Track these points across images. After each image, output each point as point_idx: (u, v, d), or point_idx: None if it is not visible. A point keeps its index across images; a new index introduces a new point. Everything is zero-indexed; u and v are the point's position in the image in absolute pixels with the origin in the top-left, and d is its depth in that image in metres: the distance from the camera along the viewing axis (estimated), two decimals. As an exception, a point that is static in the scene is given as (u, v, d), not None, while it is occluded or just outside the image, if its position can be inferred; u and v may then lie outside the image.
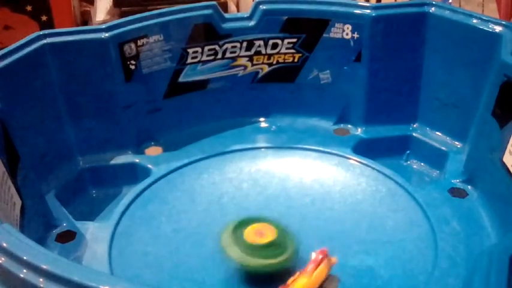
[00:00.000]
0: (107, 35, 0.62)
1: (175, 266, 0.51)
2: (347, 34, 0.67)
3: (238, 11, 1.20)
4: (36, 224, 0.52)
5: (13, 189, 0.48)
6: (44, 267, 0.31)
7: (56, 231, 0.54)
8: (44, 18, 1.07)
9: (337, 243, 0.53)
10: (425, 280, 0.48)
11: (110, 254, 0.51)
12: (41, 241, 0.51)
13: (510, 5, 0.85)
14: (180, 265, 0.51)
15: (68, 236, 0.53)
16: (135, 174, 0.64)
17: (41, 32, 0.60)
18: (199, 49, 0.68)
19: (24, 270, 0.31)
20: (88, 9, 1.23)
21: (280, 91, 0.72)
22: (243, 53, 0.70)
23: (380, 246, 0.53)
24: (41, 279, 0.31)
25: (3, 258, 0.33)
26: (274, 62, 0.71)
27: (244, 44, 0.69)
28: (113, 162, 0.65)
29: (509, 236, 0.49)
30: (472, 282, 0.33)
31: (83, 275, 0.30)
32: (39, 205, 0.54)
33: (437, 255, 0.50)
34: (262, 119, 0.73)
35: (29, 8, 1.06)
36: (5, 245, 0.33)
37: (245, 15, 0.69)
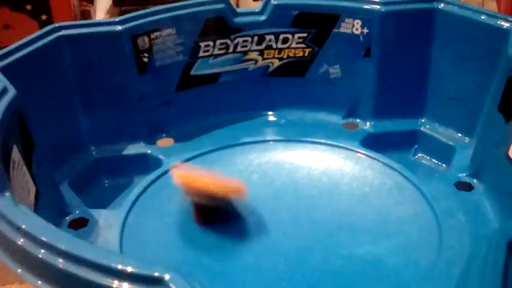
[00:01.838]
0: (120, 27, 0.63)
1: (185, 253, 0.52)
2: (357, 29, 0.68)
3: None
4: (49, 210, 0.53)
5: (28, 176, 0.49)
6: (63, 247, 0.32)
7: (68, 218, 0.55)
8: (43, 17, 1.07)
9: (344, 234, 0.54)
10: (429, 270, 0.49)
11: (121, 241, 0.52)
12: (55, 227, 0.53)
13: (510, 3, 0.86)
14: (190, 252, 0.52)
15: (81, 223, 0.55)
16: (146, 164, 0.65)
17: (57, 24, 0.61)
18: (211, 43, 0.69)
19: (43, 251, 0.33)
20: (88, 8, 1.24)
21: (290, 85, 0.73)
22: (254, 47, 0.71)
23: (386, 237, 0.53)
24: (60, 260, 0.32)
25: (22, 240, 0.34)
26: (285, 57, 0.72)
27: (255, 38, 0.70)
28: (125, 152, 0.66)
29: (508, 222, 0.50)
30: (469, 267, 0.34)
31: (102, 255, 0.31)
32: (52, 193, 0.55)
33: (441, 246, 0.51)
34: (272, 113, 0.74)
35: (28, 7, 1.06)
36: (23, 226, 0.34)
37: (256, 10, 0.70)
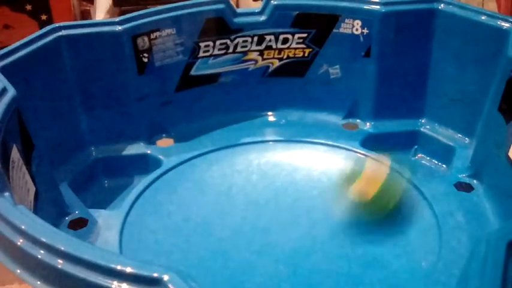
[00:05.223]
0: (120, 28, 0.63)
1: (184, 253, 0.52)
2: (357, 30, 0.68)
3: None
4: (49, 210, 0.53)
5: (27, 176, 0.49)
6: (62, 248, 0.32)
7: (68, 218, 0.55)
8: (43, 17, 1.07)
9: (344, 234, 0.54)
10: (430, 271, 0.49)
11: (121, 241, 0.52)
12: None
13: (510, 4, 0.86)
14: (189, 253, 0.52)
15: (80, 223, 0.55)
16: (146, 164, 0.65)
17: (57, 24, 0.61)
18: (211, 43, 0.69)
19: (42, 251, 0.33)
20: (88, 8, 1.24)
21: (290, 85, 0.73)
22: (254, 47, 0.71)
23: (386, 237, 0.53)
24: (59, 260, 0.32)
25: (21, 240, 0.34)
26: (285, 57, 0.72)
27: (255, 38, 0.70)
28: (125, 152, 0.66)
29: (508, 223, 0.50)
30: (469, 268, 0.34)
31: (101, 256, 0.31)
32: (52, 193, 0.55)
33: (441, 247, 0.51)
34: (271, 113, 0.73)
35: (28, 7, 1.06)
36: (22, 227, 0.34)
37: (256, 10, 0.70)
